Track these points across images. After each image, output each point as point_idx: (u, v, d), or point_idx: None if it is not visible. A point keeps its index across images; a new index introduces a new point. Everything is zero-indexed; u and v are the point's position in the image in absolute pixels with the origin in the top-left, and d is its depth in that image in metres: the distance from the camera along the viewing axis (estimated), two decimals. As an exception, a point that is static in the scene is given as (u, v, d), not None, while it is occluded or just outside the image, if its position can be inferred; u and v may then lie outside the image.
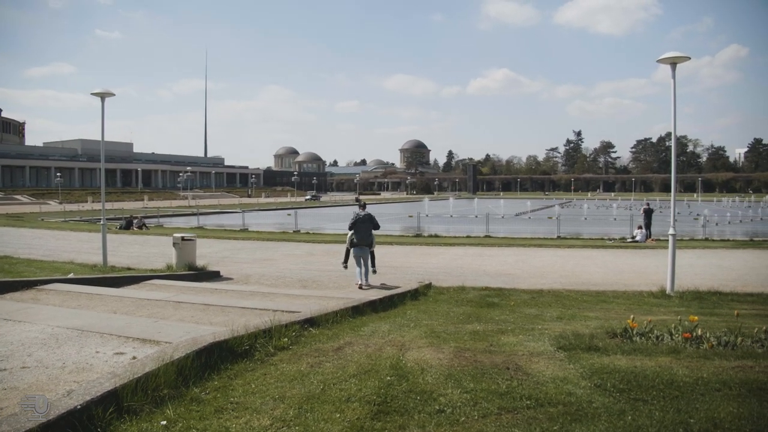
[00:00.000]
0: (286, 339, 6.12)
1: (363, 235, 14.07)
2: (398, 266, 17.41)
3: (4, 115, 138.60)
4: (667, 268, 13.14)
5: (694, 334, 6.51)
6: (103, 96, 16.15)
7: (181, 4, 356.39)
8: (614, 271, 16.85)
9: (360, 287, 13.32)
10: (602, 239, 28.23)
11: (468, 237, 28.25)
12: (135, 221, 33.81)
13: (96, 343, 6.01)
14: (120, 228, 32.71)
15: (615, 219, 48.13)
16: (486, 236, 28.76)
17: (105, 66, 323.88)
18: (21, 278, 11.48)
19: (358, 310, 8.59)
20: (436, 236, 28.81)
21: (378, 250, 16.59)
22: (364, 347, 6.03)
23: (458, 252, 21.54)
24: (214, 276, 14.81)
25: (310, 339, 6.46)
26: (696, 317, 6.88)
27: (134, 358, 5.37)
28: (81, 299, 9.55)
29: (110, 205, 56.93)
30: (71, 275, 13.97)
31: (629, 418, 4.13)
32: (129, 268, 15.62)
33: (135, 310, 8.68)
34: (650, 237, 27.52)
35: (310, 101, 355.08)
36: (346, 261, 15.20)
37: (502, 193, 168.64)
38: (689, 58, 12.68)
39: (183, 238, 14.70)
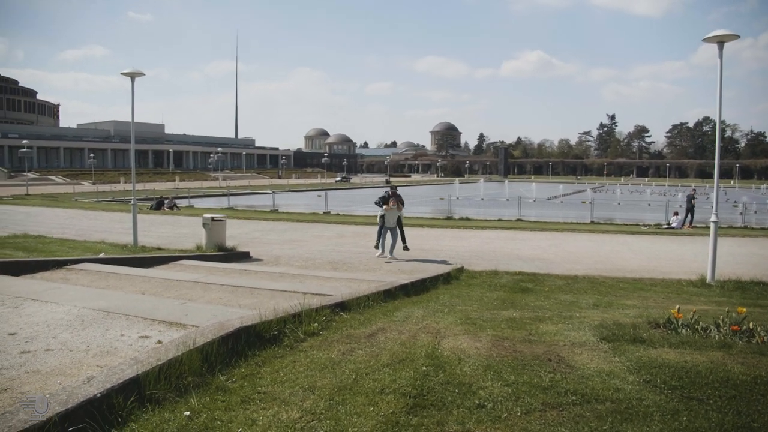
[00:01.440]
0: (316, 324, 5.89)
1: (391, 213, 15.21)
2: (429, 249, 17.17)
3: (39, 97, 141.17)
4: (707, 256, 12.69)
5: (744, 327, 6.13)
6: (133, 76, 16.07)
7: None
8: (650, 258, 16.41)
9: (382, 258, 14.79)
10: (637, 225, 27.62)
11: (500, 220, 27.88)
12: (166, 201, 34.00)
13: (121, 325, 5.85)
14: (151, 208, 32.93)
15: (649, 205, 47.20)
16: (518, 220, 28.30)
17: (137, 48, 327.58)
18: (52, 257, 11.45)
19: (390, 294, 8.33)
20: (468, 219, 28.42)
21: (409, 232, 16.45)
22: (398, 334, 5.77)
23: (490, 235, 21.20)
24: (244, 257, 14.70)
25: (341, 324, 6.22)
26: (744, 309, 6.50)
27: (159, 342, 5.19)
28: (110, 279, 9.47)
29: (142, 185, 57.57)
30: (102, 255, 13.96)
31: (684, 418, 3.81)
32: (159, 248, 15.60)
33: (163, 291, 8.55)
34: (691, 224, 26.79)
35: (340, 83, 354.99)
36: (378, 239, 15.75)
37: (533, 177, 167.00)
38: (738, 37, 12.08)
39: (213, 219, 14.60)
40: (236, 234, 18.30)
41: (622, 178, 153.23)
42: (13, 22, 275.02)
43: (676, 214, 27.20)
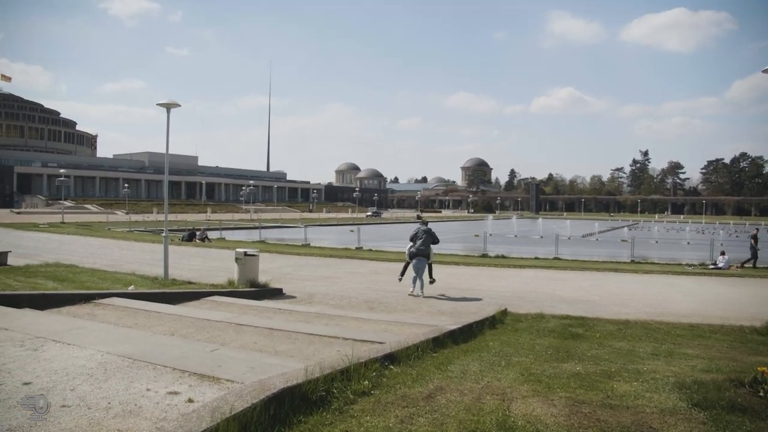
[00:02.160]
0: (366, 381, 5.20)
1: (422, 246, 14.84)
2: (467, 288, 16.44)
3: (78, 128, 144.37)
4: (764, 299, 11.73)
5: None
6: (168, 107, 15.83)
7: (248, 23, 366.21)
8: (702, 301, 15.47)
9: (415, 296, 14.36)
10: (680, 264, 26.56)
11: (537, 259, 27.03)
12: (198, 233, 33.77)
13: (148, 377, 5.23)
14: (182, 240, 32.68)
15: (688, 243, 45.95)
16: (555, 258, 27.41)
17: (174, 82, 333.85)
18: (79, 291, 10.97)
19: (439, 342, 7.60)
20: (503, 257, 27.62)
21: (443, 270, 15.84)
22: (459, 395, 5.06)
23: (529, 275, 20.37)
24: (277, 294, 14.13)
25: (393, 381, 5.53)
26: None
27: (190, 400, 4.56)
28: (138, 317, 8.94)
29: (174, 216, 57.77)
30: (131, 288, 13.52)
31: None
32: (190, 282, 15.11)
33: (194, 332, 7.97)
34: (754, 265, 25.69)
35: (371, 118, 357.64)
36: (402, 273, 15.74)
37: (565, 213, 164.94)
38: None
39: (246, 254, 14.07)
40: (268, 269, 17.76)
41: (656, 215, 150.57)
42: (59, 56, 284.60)
43: (722, 253, 26.01)
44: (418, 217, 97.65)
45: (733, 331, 11.26)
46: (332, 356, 6.04)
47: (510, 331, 10.29)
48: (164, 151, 16.37)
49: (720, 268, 24.55)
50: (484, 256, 27.84)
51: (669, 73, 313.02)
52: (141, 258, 22.06)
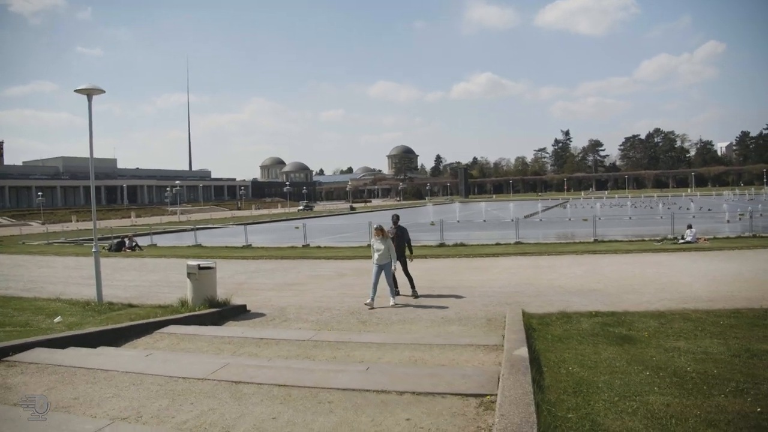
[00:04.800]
0: None
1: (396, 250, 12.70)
2: (453, 285, 14.58)
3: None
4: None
5: None
6: (90, 93, 13.07)
7: (163, 19, 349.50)
8: (711, 280, 14.21)
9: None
10: (644, 240, 25.56)
11: (498, 245, 25.46)
12: (126, 241, 30.49)
13: None
14: (110, 249, 29.39)
15: (630, 218, 45.78)
16: (518, 243, 25.90)
17: (86, 83, 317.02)
18: None
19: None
20: (463, 245, 25.82)
21: (414, 264, 13.83)
22: None
23: (509, 264, 18.60)
24: (241, 312, 11.73)
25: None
26: None
27: None
28: (76, 383, 6.23)
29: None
30: (58, 319, 10.84)
31: None
32: (131, 305, 12.42)
33: (167, 408, 5.40)
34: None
35: (294, 112, 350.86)
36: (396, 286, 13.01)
37: (494, 196, 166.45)
38: None
39: (200, 267, 11.52)
40: (218, 278, 15.14)
41: (582, 193, 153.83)
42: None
43: (689, 227, 25.10)
44: (351, 208, 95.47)
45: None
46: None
47: (549, 340, 8.37)
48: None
49: (689, 242, 23.64)
50: (441, 245, 26.00)
51: (582, 56, 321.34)
52: (65, 276, 18.99)
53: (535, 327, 9.25)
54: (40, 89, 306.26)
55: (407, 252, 13.34)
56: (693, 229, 24.88)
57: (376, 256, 12.22)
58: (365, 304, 11.98)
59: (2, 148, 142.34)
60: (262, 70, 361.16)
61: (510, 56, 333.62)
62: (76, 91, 12.89)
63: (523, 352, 6.44)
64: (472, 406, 5.05)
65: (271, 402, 5.35)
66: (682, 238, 24.46)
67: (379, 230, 12.37)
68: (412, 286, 13.23)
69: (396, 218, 13.67)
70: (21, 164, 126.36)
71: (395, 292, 12.60)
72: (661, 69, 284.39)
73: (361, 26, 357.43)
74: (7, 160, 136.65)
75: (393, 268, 12.43)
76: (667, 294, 12.40)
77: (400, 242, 13.07)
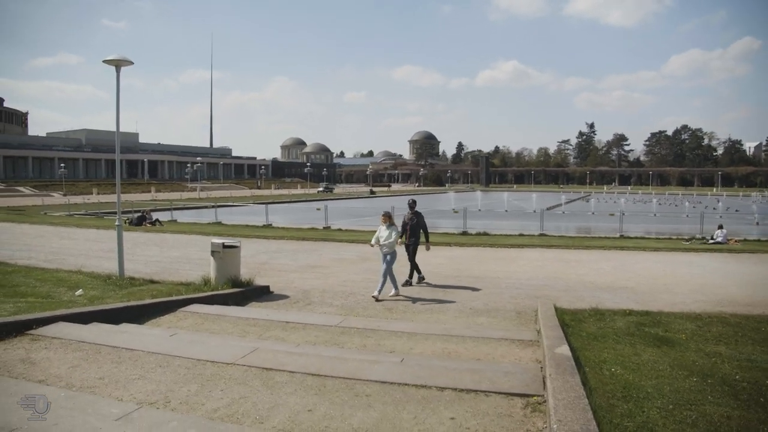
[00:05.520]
0: None
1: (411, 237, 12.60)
2: (479, 276, 14.19)
3: (6, 105, 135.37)
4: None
5: None
6: (118, 64, 12.86)
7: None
8: (747, 284, 13.65)
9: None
10: (671, 239, 24.93)
11: (522, 235, 25.00)
12: (147, 216, 30.46)
13: None
14: (131, 224, 29.35)
15: (655, 215, 45.02)
16: (542, 235, 25.46)
17: (111, 56, 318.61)
18: (8, 318, 7.37)
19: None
20: (486, 234, 25.46)
21: (440, 252, 13.47)
22: None
23: (534, 256, 18.17)
24: (264, 293, 11.49)
25: None
26: None
27: None
28: (101, 362, 6.01)
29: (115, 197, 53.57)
30: (79, 292, 10.68)
31: None
32: (152, 281, 12.26)
33: (196, 393, 5.14)
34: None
35: (317, 93, 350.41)
36: (419, 272, 12.96)
37: (515, 186, 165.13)
38: None
39: (224, 245, 11.29)
40: (240, 257, 15.00)
41: (605, 187, 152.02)
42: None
43: (720, 227, 24.50)
44: (372, 192, 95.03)
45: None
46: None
47: (584, 337, 7.99)
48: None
49: (719, 243, 23.03)
50: (464, 233, 25.66)
51: (610, 47, 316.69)
52: (86, 249, 18.89)
53: (568, 323, 8.87)
54: (65, 61, 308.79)
55: (423, 239, 12.78)
56: (724, 230, 24.30)
57: (382, 242, 11.52)
58: (372, 296, 11.22)
59: (27, 119, 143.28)
60: (286, 50, 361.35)
61: (537, 45, 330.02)
62: (104, 61, 12.68)
63: (565, 350, 6.11)
64: (518, 407, 4.76)
65: (305, 392, 5.08)
66: (712, 239, 23.89)
67: (387, 216, 11.77)
68: (411, 275, 12.85)
69: (413, 203, 13.21)
70: (44, 135, 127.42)
71: (407, 281, 12.53)
72: (691, 64, 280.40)
73: (388, 8, 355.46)
74: (31, 131, 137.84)
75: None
76: (702, 296, 11.95)
77: (416, 228, 12.68)
